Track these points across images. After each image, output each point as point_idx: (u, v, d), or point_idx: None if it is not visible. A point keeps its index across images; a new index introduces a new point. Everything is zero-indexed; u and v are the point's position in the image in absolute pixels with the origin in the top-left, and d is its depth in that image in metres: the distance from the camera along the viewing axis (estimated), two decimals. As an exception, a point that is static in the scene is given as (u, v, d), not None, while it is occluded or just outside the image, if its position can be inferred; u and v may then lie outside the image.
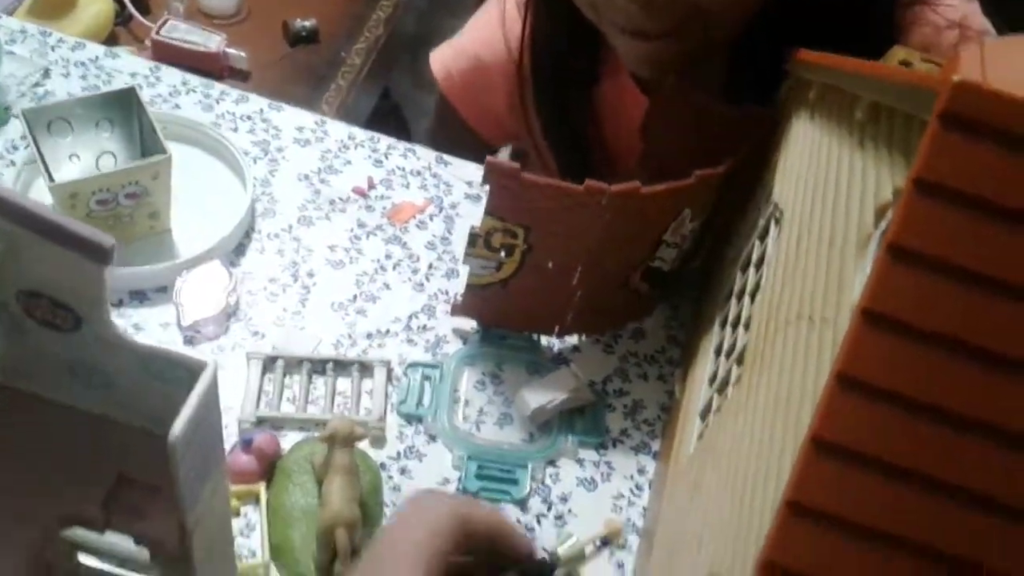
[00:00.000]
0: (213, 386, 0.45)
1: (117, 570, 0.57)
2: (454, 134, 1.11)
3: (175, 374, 0.47)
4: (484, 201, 0.75)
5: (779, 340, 0.58)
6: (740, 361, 0.66)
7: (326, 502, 0.68)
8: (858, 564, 0.40)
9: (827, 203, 0.59)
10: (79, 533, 0.53)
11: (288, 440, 0.78)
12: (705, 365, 0.78)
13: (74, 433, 0.53)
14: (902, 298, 0.39)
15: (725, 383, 0.68)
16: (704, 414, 0.72)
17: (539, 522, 0.78)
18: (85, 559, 0.56)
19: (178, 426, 0.42)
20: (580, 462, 0.82)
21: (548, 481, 0.80)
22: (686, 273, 0.93)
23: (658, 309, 0.92)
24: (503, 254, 0.80)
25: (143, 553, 0.51)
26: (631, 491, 0.81)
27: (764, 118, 0.82)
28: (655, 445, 0.84)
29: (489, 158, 0.74)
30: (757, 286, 0.70)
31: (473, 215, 0.96)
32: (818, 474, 0.40)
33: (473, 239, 0.79)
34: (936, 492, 0.39)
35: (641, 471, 0.82)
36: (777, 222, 0.72)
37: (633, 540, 0.78)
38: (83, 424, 0.53)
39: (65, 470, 0.51)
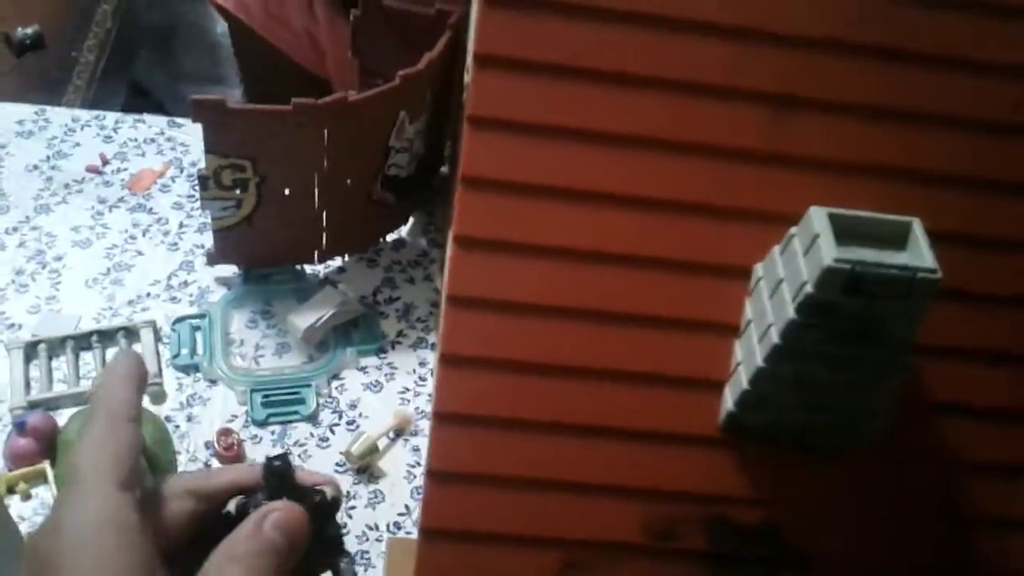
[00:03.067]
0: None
1: None
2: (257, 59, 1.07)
3: None
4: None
5: None
6: None
7: (107, 456, 0.69)
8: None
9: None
10: None
11: (69, 418, 0.77)
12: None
13: None
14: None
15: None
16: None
17: (333, 431, 0.81)
18: None
19: None
20: (363, 369, 0.85)
21: (335, 393, 0.83)
22: (430, 177, 0.97)
23: (414, 217, 0.96)
24: (238, 191, 0.82)
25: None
26: (416, 383, 0.84)
27: (457, 15, 0.87)
28: (431, 338, 0.88)
29: (195, 96, 0.75)
30: None
31: (215, 169, 0.97)
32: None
33: (203, 182, 0.80)
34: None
35: (422, 363, 0.86)
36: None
37: (424, 424, 0.82)
38: None
39: None
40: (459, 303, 0.44)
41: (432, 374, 0.85)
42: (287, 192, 0.83)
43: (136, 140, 0.99)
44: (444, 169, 0.99)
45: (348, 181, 0.85)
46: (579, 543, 0.44)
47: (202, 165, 0.79)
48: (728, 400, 0.44)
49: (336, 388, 0.83)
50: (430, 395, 0.84)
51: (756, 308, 0.43)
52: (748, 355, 0.43)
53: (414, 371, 0.85)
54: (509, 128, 0.43)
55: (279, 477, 0.41)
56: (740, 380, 0.43)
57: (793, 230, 0.42)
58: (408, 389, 0.84)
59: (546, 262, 0.44)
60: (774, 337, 0.41)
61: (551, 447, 0.44)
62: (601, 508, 0.44)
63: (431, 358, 0.86)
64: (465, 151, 0.43)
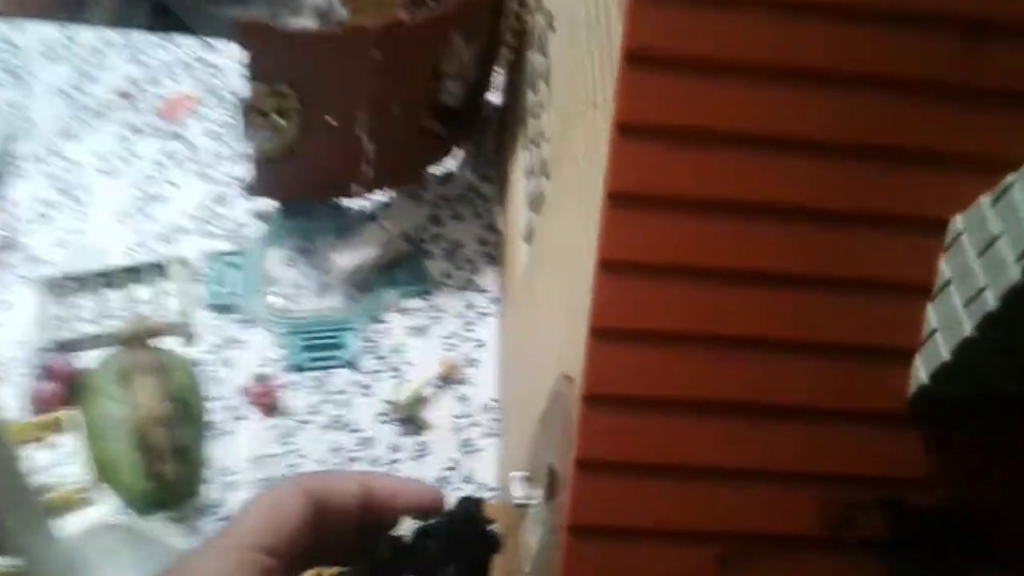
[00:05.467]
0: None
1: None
2: None
3: None
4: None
5: (572, 137, 0.56)
6: (547, 173, 0.64)
7: (135, 404, 0.64)
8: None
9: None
10: None
11: (95, 361, 0.73)
12: (518, 189, 0.76)
13: None
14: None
15: (539, 199, 0.67)
16: (528, 237, 0.70)
17: (375, 378, 0.75)
18: None
19: None
20: (406, 312, 0.79)
21: (377, 337, 0.78)
22: (479, 107, 0.90)
23: (461, 149, 0.89)
24: (281, 119, 0.76)
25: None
26: (463, 328, 0.79)
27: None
28: (479, 280, 0.82)
29: (238, 16, 0.69)
30: (548, 100, 0.68)
31: (251, 94, 0.91)
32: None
33: (245, 110, 0.74)
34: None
35: (470, 307, 0.80)
36: (552, 28, 0.69)
37: (471, 373, 0.76)
38: None
39: None
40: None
41: (481, 318, 0.80)
42: (332, 120, 0.77)
43: (168, 63, 0.93)
44: (492, 99, 0.92)
45: (396, 109, 0.78)
46: (740, 535, 0.39)
47: (242, 91, 0.73)
48: (920, 372, 0.38)
49: (378, 332, 0.78)
50: (478, 341, 0.78)
51: (957, 267, 0.37)
52: (948, 321, 0.37)
53: (461, 315, 0.80)
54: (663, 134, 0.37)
55: (469, 522, 0.43)
56: (937, 350, 0.37)
57: (1011, 177, 0.35)
58: (455, 334, 0.78)
59: (702, 217, 0.37)
60: (990, 303, 0.34)
61: (712, 430, 0.39)
62: (767, 496, 0.39)
63: (479, 301, 0.80)
64: (611, 162, 0.37)
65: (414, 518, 0.41)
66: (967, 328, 0.36)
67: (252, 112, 0.75)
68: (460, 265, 0.83)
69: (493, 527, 0.45)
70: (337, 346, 0.76)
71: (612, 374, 0.39)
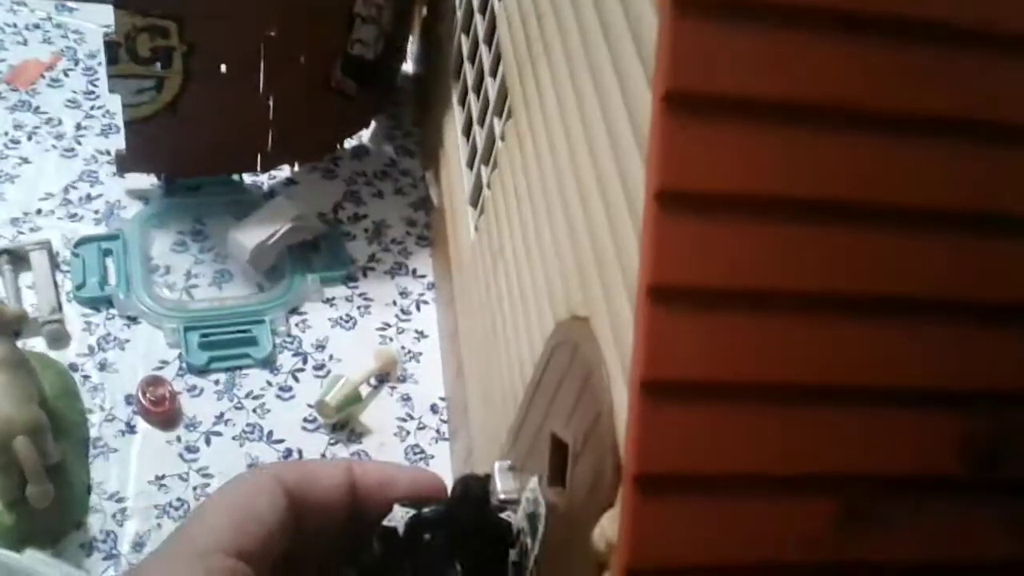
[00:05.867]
0: None
1: None
2: None
3: None
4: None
5: (545, 60, 0.45)
6: (504, 113, 0.52)
7: (-11, 411, 0.49)
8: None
9: None
10: None
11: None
12: (457, 152, 0.64)
13: None
14: None
15: (491, 146, 0.55)
16: (475, 198, 0.59)
17: (296, 379, 0.62)
18: None
19: None
20: (329, 302, 0.66)
21: (295, 331, 0.64)
22: (394, 71, 0.79)
23: (376, 121, 0.77)
24: (159, 65, 0.62)
25: None
26: (397, 317, 0.66)
27: None
28: (412, 263, 0.69)
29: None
30: (491, 32, 0.57)
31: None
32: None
33: (112, 51, 0.60)
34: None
35: (404, 294, 0.68)
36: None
37: (413, 369, 0.64)
38: None
39: None
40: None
41: (418, 307, 0.67)
42: (223, 69, 0.64)
43: (15, 26, 0.78)
44: (408, 68, 0.81)
45: (302, 58, 0.66)
46: (862, 479, 0.27)
47: (109, 30, 0.59)
48: None
49: (297, 325, 0.64)
50: (418, 332, 0.66)
51: None
52: None
53: (394, 302, 0.67)
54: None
55: (474, 503, 0.36)
56: None
57: None
58: (389, 325, 0.66)
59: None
60: None
61: (824, 332, 0.27)
62: (898, 426, 0.28)
63: (414, 287, 0.68)
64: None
65: (408, 507, 0.34)
66: None
67: (122, 53, 0.61)
68: (387, 247, 0.70)
69: (505, 513, 0.38)
70: (246, 342, 0.62)
71: (678, 260, 0.28)
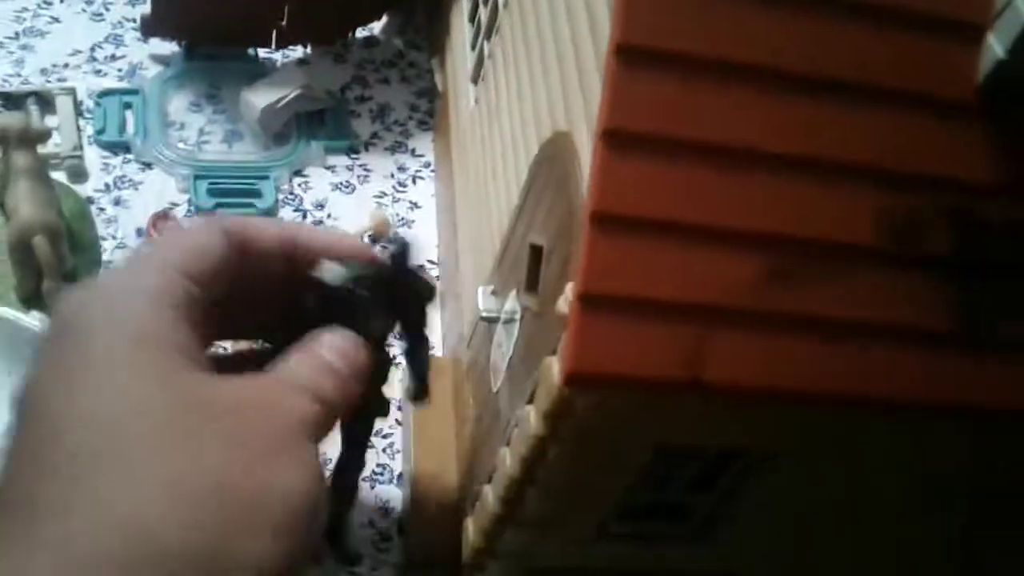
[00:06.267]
0: None
1: None
2: None
3: None
4: None
5: None
6: None
7: (14, 211, 0.53)
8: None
9: None
10: None
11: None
12: (462, 36, 0.68)
13: None
14: None
15: (494, 20, 0.59)
16: (476, 74, 0.63)
17: (295, 231, 0.66)
18: None
19: None
20: (331, 168, 0.70)
21: (297, 190, 0.68)
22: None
23: (387, 14, 0.81)
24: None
25: None
26: (394, 188, 0.71)
27: None
28: (412, 143, 0.74)
29: None
30: None
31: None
32: None
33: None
34: None
35: (402, 169, 0.72)
36: None
37: (405, 234, 0.68)
38: None
39: None
40: None
41: (413, 182, 0.71)
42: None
43: None
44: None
45: (324, -61, 0.70)
46: (791, 242, 0.32)
47: None
48: (996, 47, 0.32)
49: (299, 185, 0.69)
50: (412, 203, 0.70)
51: None
52: None
53: (392, 175, 0.71)
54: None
55: (400, 269, 0.40)
56: (1018, 14, 0.31)
57: None
58: (385, 194, 0.70)
59: None
60: None
61: (760, 102, 0.32)
62: (824, 194, 0.32)
63: (412, 164, 0.72)
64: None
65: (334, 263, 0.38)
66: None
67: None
68: (389, 127, 0.74)
69: (426, 277, 0.43)
70: (251, 193, 0.66)
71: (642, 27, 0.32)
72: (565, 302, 0.35)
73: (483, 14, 0.63)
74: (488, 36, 0.61)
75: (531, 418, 0.38)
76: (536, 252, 0.43)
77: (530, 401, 0.38)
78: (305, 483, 0.29)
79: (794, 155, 0.32)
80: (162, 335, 0.29)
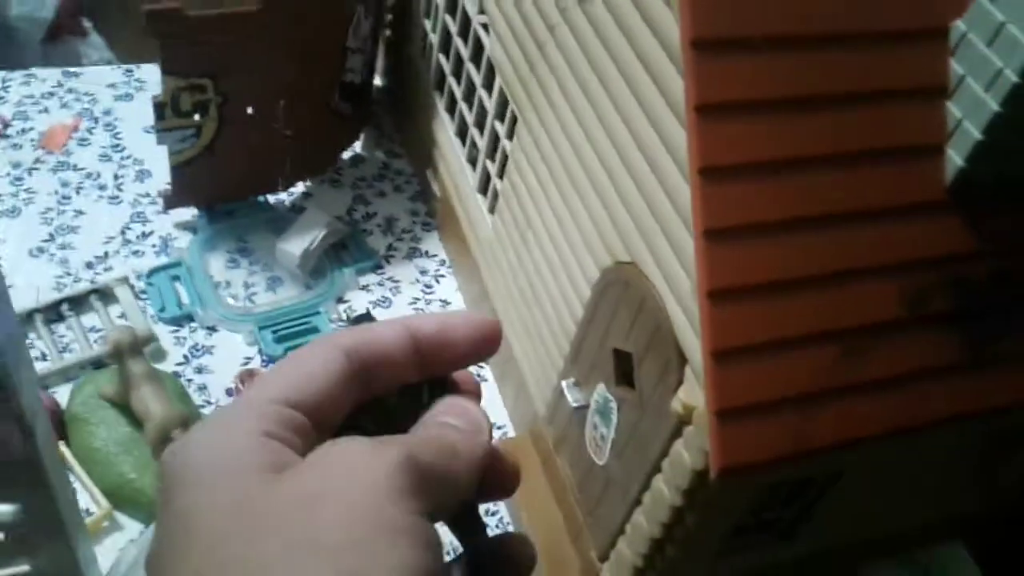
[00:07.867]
0: None
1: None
2: None
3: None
4: (157, 78, 0.69)
5: (548, 70, 0.59)
6: (505, 118, 0.66)
7: (148, 414, 0.61)
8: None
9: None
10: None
11: (60, 396, 0.68)
12: (453, 150, 0.78)
13: None
14: None
15: (495, 144, 0.69)
16: (484, 187, 0.73)
17: (357, 354, 0.75)
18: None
19: None
20: (365, 287, 0.80)
21: (344, 316, 0.77)
22: (370, 88, 0.92)
23: (363, 132, 0.90)
24: (198, 115, 0.74)
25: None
26: (423, 291, 0.80)
27: None
28: (424, 245, 0.83)
29: (148, 6, 0.67)
30: (476, 53, 0.71)
31: (129, 115, 0.88)
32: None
33: (159, 110, 0.72)
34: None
35: (423, 272, 0.81)
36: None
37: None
38: None
39: None
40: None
41: (437, 281, 0.81)
42: (250, 111, 0.76)
43: (33, 96, 0.88)
44: (377, 81, 0.94)
45: (311, 92, 0.79)
46: (852, 330, 0.43)
47: (156, 91, 0.71)
48: (955, 158, 0.43)
49: (344, 311, 0.78)
50: (442, 300, 0.80)
51: (969, 61, 0.43)
52: (972, 107, 0.42)
53: (417, 280, 0.81)
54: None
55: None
56: (968, 134, 0.42)
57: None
58: (417, 299, 0.80)
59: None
60: (1011, 78, 0.40)
61: (810, 243, 0.43)
62: (862, 292, 0.43)
63: (430, 265, 0.82)
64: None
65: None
66: (993, 105, 0.42)
67: (168, 111, 0.73)
68: (400, 237, 0.84)
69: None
70: (310, 330, 0.75)
71: (722, 211, 0.43)
72: (679, 403, 0.46)
73: (476, 136, 0.73)
74: (490, 158, 0.71)
75: (665, 492, 0.49)
76: (622, 356, 0.53)
77: (654, 472, 0.49)
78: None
79: (843, 270, 0.44)
80: (245, 461, 0.26)
